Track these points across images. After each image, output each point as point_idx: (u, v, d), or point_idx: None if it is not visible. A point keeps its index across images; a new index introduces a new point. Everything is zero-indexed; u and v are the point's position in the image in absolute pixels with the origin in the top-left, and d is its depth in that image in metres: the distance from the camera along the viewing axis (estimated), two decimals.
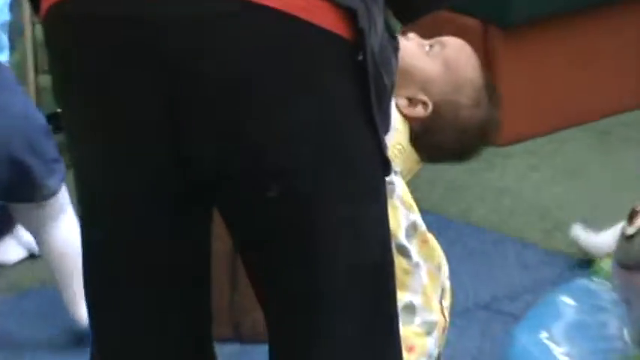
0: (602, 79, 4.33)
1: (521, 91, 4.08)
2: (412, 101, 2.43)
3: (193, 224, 2.08)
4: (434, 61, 2.56)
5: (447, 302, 2.55)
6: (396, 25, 2.60)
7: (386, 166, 2.00)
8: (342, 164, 1.96)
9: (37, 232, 3.33)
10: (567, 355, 2.92)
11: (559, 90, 4.28)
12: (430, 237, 2.50)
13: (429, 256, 2.49)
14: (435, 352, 2.47)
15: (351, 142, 1.97)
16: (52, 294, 3.53)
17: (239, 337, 3.22)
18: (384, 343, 2.10)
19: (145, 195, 2.04)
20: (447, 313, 2.52)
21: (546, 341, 2.95)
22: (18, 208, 3.42)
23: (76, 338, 3.33)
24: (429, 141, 2.52)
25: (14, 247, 3.76)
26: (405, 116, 2.42)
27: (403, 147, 2.47)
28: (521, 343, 3.00)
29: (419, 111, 2.46)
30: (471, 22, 3.86)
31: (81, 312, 3.15)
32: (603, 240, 3.47)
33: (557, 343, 2.95)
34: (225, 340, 2.87)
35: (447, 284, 2.55)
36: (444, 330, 2.51)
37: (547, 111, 4.30)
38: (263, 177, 1.94)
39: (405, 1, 2.10)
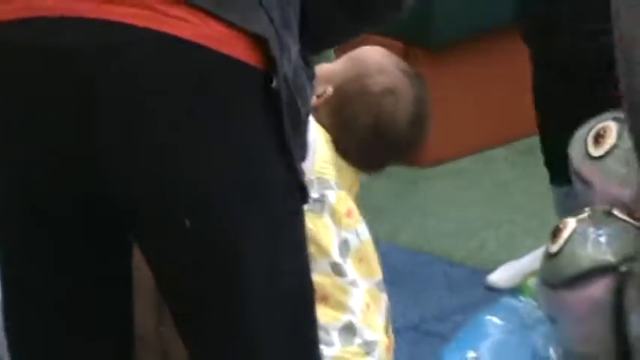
0: (522, 99, 4.38)
1: (444, 111, 4.08)
2: (319, 96, 2.43)
3: (113, 255, 2.06)
4: (338, 61, 2.60)
5: (389, 324, 2.57)
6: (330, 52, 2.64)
7: (303, 193, 1.99)
8: (253, 193, 1.94)
9: None
10: None
11: (482, 109, 4.33)
12: (368, 253, 2.50)
13: (367, 273, 2.49)
14: None
15: (263, 170, 1.96)
16: None
17: None
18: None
19: (54, 215, 2.01)
20: (390, 334, 2.55)
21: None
22: None
23: None
24: (342, 124, 2.52)
25: None
26: (315, 109, 2.36)
27: (329, 160, 2.48)
28: None
29: (324, 97, 2.48)
30: (394, 43, 3.87)
31: None
32: (522, 267, 3.56)
33: None
34: None
35: (388, 306, 2.55)
36: (388, 349, 2.50)
37: (471, 131, 4.35)
38: (178, 209, 1.92)
39: (311, 33, 2.08)
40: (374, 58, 2.59)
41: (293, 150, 1.95)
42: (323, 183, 2.47)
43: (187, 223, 1.89)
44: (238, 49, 1.88)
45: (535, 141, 4.00)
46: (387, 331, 2.51)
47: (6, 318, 2.11)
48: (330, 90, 2.47)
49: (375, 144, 2.59)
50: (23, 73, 1.94)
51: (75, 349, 2.07)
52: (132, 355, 2.14)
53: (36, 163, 1.96)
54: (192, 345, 2.06)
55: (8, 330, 2.12)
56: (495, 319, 3.08)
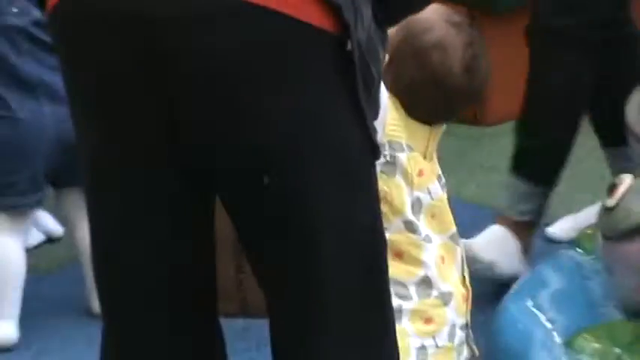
0: None
1: (507, 73, 4.14)
2: None
3: (198, 209, 2.10)
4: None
5: (467, 272, 2.59)
6: None
7: (375, 150, 2.03)
8: (329, 150, 1.99)
9: (75, 217, 3.35)
10: (553, 321, 2.94)
11: None
12: (440, 209, 2.53)
13: (440, 228, 2.52)
14: (459, 321, 2.50)
15: (338, 128, 1.99)
16: (70, 277, 3.56)
17: (245, 313, 3.25)
18: (380, 315, 2.11)
19: (145, 176, 2.06)
20: (467, 281, 2.56)
21: (533, 309, 2.97)
22: (62, 192, 3.47)
23: (93, 321, 3.22)
24: (404, 87, 2.52)
25: (33, 232, 3.73)
26: None
27: (399, 123, 2.48)
28: (510, 311, 3.03)
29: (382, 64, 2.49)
30: (457, 9, 3.94)
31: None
32: (580, 221, 3.61)
33: (544, 311, 2.99)
34: (232, 315, 2.91)
35: (464, 255, 2.60)
36: (466, 299, 2.53)
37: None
38: (258, 166, 1.97)
39: (385, 6, 2.11)
40: (420, 17, 2.51)
41: (366, 110, 1.98)
42: (394, 145, 2.47)
43: (266, 179, 1.94)
44: (314, 14, 1.91)
45: None
46: (463, 282, 2.54)
47: (101, 261, 2.17)
48: (385, 57, 2.56)
49: (438, 98, 2.56)
50: (105, 48, 1.99)
51: (162, 287, 2.13)
52: (215, 303, 2.19)
53: (127, 129, 2.02)
54: (270, 293, 2.10)
55: (103, 275, 2.17)
56: (555, 270, 3.12)
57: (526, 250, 3.40)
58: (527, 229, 3.42)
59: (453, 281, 2.52)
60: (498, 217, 3.21)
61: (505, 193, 3.39)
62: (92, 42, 1.97)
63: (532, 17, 3.57)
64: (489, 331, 3.02)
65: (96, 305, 3.01)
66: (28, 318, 3.33)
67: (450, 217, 2.52)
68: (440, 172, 2.57)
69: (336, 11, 1.90)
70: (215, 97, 1.94)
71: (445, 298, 2.47)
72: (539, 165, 3.45)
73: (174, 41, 1.91)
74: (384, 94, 2.26)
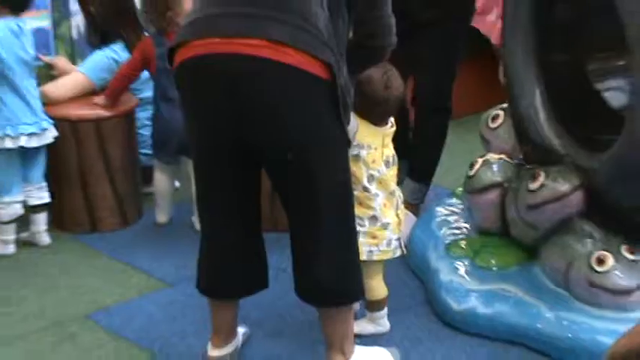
0: None
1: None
2: None
3: (249, 166, 2.82)
4: None
5: (400, 211, 3.22)
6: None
7: (348, 142, 2.76)
8: (326, 141, 2.71)
9: (190, 174, 3.72)
10: (440, 236, 3.74)
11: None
12: (386, 179, 3.13)
13: (383, 189, 3.17)
14: (394, 236, 3.20)
15: (330, 131, 2.70)
16: (185, 208, 4.26)
17: (275, 228, 3.79)
18: (349, 229, 2.88)
19: (222, 149, 2.74)
20: (401, 215, 3.19)
21: (429, 229, 3.83)
22: (186, 160, 4.01)
23: (196, 234, 3.61)
24: (360, 103, 3.01)
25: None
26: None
27: (365, 132, 3.10)
28: (416, 232, 3.87)
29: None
30: None
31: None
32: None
33: (434, 231, 3.82)
34: (268, 230, 3.17)
35: (399, 201, 3.20)
36: (398, 224, 3.20)
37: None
38: (283, 150, 2.67)
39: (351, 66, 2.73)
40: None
41: (343, 121, 2.67)
42: (360, 145, 3.14)
43: (289, 156, 2.67)
44: (318, 70, 2.60)
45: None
46: (397, 216, 3.21)
47: (201, 200, 2.93)
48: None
49: (376, 107, 3.14)
50: (204, 86, 2.63)
51: (234, 217, 2.90)
52: (260, 222, 2.97)
53: (214, 130, 2.72)
54: (290, 214, 2.84)
55: (202, 208, 2.96)
56: (440, 208, 3.98)
57: (417, 214, 4.05)
58: (417, 206, 4.11)
59: (390, 216, 3.19)
60: (405, 202, 3.43)
61: (404, 189, 3.77)
62: (201, 84, 2.65)
63: None
64: (409, 244, 3.70)
65: (197, 224, 3.62)
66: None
67: (391, 182, 3.15)
68: (390, 157, 3.16)
69: (329, 68, 2.57)
70: (265, 115, 2.60)
71: (385, 226, 3.19)
72: (425, 172, 4.16)
73: (246, 85, 2.57)
74: (353, 115, 2.89)
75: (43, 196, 4.04)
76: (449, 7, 3.79)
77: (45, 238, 4.10)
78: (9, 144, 3.87)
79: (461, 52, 3.95)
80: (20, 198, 3.98)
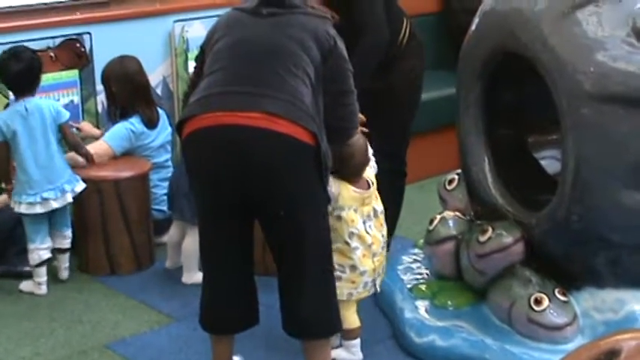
0: None
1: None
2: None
3: (246, 220, 2.89)
4: None
5: (378, 258, 3.24)
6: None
7: (329, 200, 2.92)
8: (312, 200, 2.80)
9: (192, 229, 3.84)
10: (403, 279, 3.75)
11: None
12: (362, 235, 3.15)
13: (362, 242, 3.21)
14: (370, 279, 3.24)
15: (315, 191, 2.80)
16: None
17: (266, 272, 3.71)
18: (328, 272, 2.95)
19: (223, 207, 2.81)
20: (377, 263, 3.23)
21: (396, 275, 3.83)
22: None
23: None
24: (338, 165, 3.02)
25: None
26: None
27: (344, 196, 3.16)
28: (386, 279, 3.64)
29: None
30: None
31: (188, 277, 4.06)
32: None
33: (401, 277, 3.83)
34: (259, 274, 3.25)
35: (382, 250, 3.25)
36: (374, 270, 3.22)
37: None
38: (277, 207, 2.77)
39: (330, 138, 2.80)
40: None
41: (325, 182, 2.79)
42: (341, 207, 3.20)
43: (282, 212, 2.76)
44: (305, 137, 2.70)
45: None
46: (373, 263, 3.24)
47: (204, 248, 2.99)
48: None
49: (347, 168, 3.14)
50: (211, 151, 2.74)
51: (231, 263, 2.95)
52: (252, 266, 3.01)
53: (218, 189, 2.79)
54: (278, 262, 2.90)
55: (205, 255, 3.04)
56: (406, 257, 3.96)
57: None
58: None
59: (367, 264, 3.25)
60: None
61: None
62: (209, 150, 2.75)
63: None
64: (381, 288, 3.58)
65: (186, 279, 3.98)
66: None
67: (368, 237, 3.18)
68: (371, 212, 3.19)
69: (314, 136, 2.69)
70: (263, 173, 2.68)
71: (362, 273, 3.26)
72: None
73: (247, 149, 2.67)
74: (336, 181, 3.07)
75: (65, 243, 4.17)
76: (393, 79, 3.80)
77: (64, 273, 4.21)
78: (39, 209, 4.01)
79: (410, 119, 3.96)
80: (46, 245, 4.08)
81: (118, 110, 4.45)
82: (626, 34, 3.04)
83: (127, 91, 4.36)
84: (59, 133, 4.02)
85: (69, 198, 4.04)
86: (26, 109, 3.95)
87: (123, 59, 4.36)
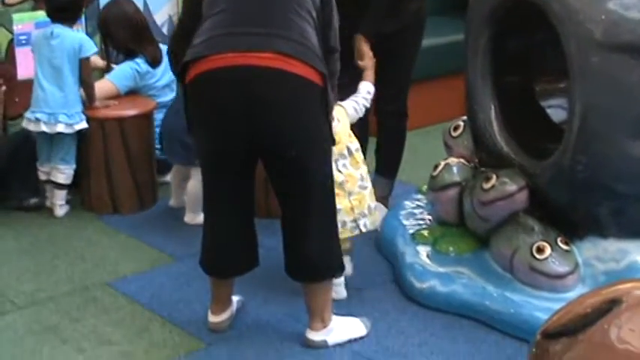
0: None
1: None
2: None
3: (250, 165, 2.88)
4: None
5: (356, 197, 3.20)
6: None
7: (334, 139, 2.87)
8: (318, 138, 2.78)
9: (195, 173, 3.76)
10: (407, 225, 3.77)
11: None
12: (334, 173, 3.03)
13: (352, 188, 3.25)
14: (348, 219, 3.20)
15: (324, 131, 2.80)
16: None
17: (268, 215, 3.85)
18: (332, 213, 2.93)
19: (229, 152, 2.78)
20: (354, 202, 3.20)
21: (398, 219, 3.87)
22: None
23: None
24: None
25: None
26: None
27: (339, 120, 3.18)
28: (387, 220, 3.89)
29: None
30: None
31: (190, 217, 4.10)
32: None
33: (403, 221, 3.85)
34: (261, 217, 3.39)
35: (362, 189, 3.19)
36: (351, 208, 3.20)
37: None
38: (287, 147, 2.73)
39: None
40: None
41: (330, 120, 2.79)
42: (347, 149, 3.25)
43: (293, 153, 2.72)
44: (314, 77, 2.72)
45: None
46: (350, 202, 3.20)
47: (207, 191, 2.95)
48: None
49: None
50: (225, 92, 2.68)
51: (233, 211, 2.95)
52: (253, 210, 3.01)
53: (227, 133, 2.74)
54: (283, 202, 2.88)
55: (207, 197, 2.98)
56: (408, 202, 3.99)
57: (387, 206, 4.06)
58: (386, 198, 4.11)
59: (343, 203, 3.18)
60: (376, 196, 3.47)
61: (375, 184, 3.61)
62: (219, 92, 2.69)
63: None
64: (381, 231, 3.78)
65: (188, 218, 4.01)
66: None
67: (340, 175, 3.13)
68: (344, 150, 3.14)
69: (323, 76, 2.73)
70: (274, 115, 2.67)
71: (337, 211, 3.11)
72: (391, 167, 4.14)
73: (259, 90, 2.64)
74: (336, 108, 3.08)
75: (59, 177, 4.22)
76: (404, 20, 3.83)
77: (59, 211, 4.27)
78: (31, 127, 4.11)
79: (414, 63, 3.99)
80: (44, 169, 4.22)
81: (120, 53, 4.48)
82: None
83: (128, 32, 4.35)
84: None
85: (60, 128, 4.07)
86: (52, 34, 4.07)
87: (117, 1, 4.36)
